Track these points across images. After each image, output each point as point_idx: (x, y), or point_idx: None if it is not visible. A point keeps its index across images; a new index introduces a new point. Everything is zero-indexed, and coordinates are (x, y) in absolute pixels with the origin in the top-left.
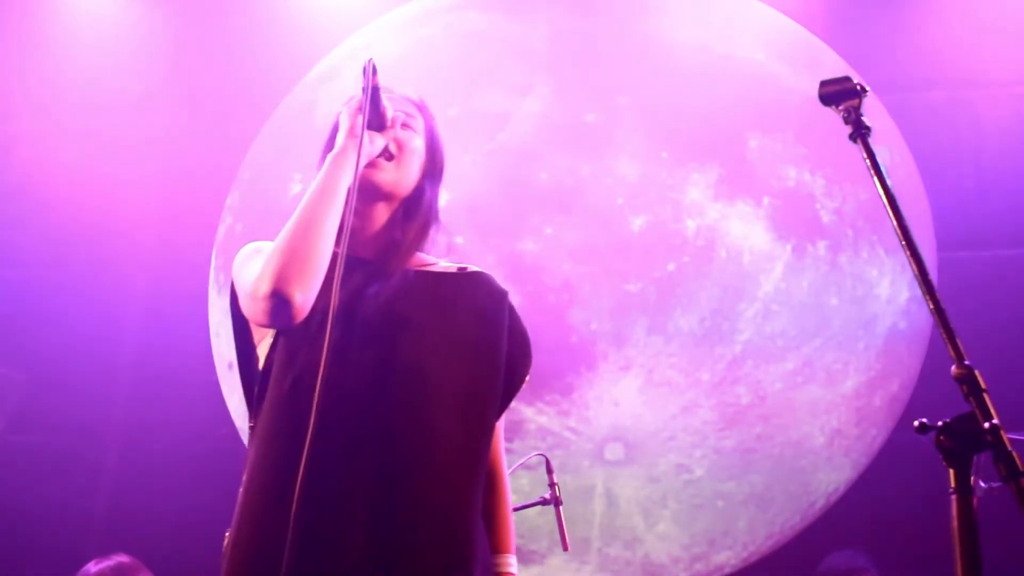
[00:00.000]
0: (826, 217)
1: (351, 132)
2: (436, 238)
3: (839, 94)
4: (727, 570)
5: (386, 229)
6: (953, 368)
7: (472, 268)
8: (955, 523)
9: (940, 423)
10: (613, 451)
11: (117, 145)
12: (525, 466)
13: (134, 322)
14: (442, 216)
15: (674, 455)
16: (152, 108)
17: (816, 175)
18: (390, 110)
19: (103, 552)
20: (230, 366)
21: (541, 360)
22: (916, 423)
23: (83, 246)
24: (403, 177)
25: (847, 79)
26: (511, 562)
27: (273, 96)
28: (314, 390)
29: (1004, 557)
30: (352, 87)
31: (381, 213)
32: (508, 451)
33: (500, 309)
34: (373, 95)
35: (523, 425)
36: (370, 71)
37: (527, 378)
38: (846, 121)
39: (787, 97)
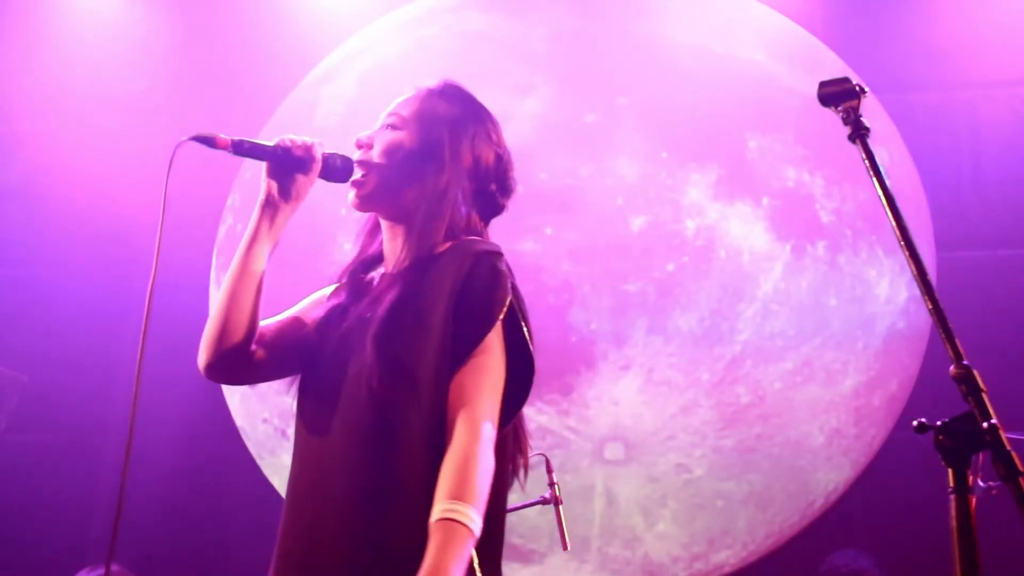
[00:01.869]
0: (825, 217)
1: (264, 196)
2: (468, 218)
3: (838, 95)
4: (726, 569)
5: (408, 234)
6: (952, 368)
7: (462, 240)
8: (954, 522)
9: (939, 423)
10: (613, 450)
11: (118, 145)
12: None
13: (134, 322)
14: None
15: (674, 455)
16: (153, 108)
17: (815, 175)
18: (297, 144)
19: (103, 552)
20: None
21: (541, 360)
22: (915, 423)
23: (84, 246)
24: (388, 180)
25: (846, 80)
26: (459, 509)
27: (274, 97)
28: (305, 405)
29: (1003, 556)
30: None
31: (398, 221)
32: None
33: (453, 274)
34: (253, 150)
35: None
36: (173, 153)
37: (488, 332)
38: (845, 122)
39: (786, 98)
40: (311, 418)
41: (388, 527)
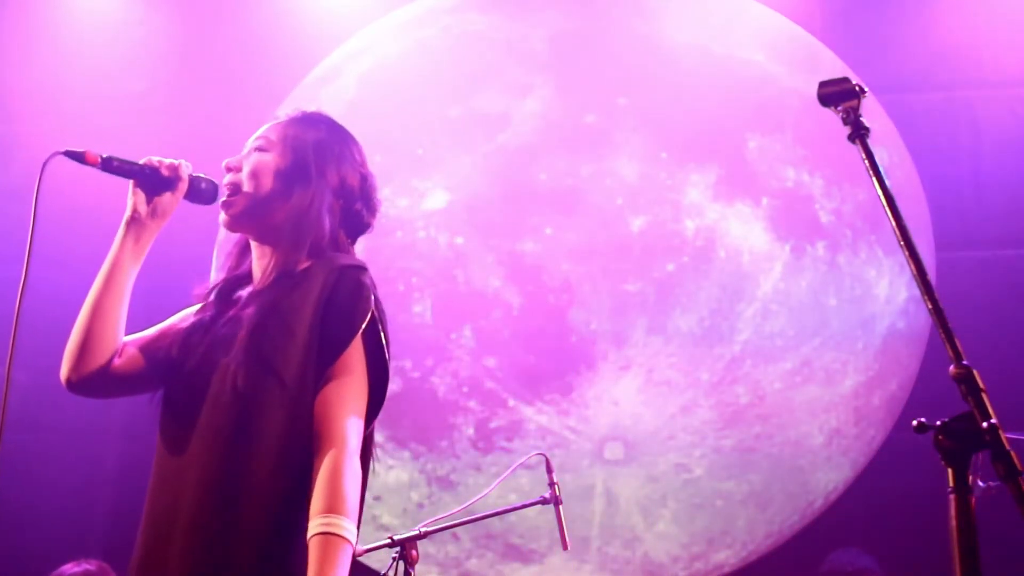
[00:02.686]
0: (825, 217)
1: (129, 213)
2: (334, 235)
3: (838, 95)
4: (726, 569)
5: (276, 251)
6: (951, 368)
7: (328, 255)
8: (953, 522)
9: (938, 423)
10: (613, 450)
11: (118, 145)
12: (525, 465)
13: (135, 320)
14: (442, 216)
15: (673, 454)
16: (153, 108)
17: (815, 176)
18: (165, 164)
19: (103, 552)
20: None
21: (541, 359)
22: (915, 423)
23: (85, 245)
24: (257, 199)
25: (846, 80)
26: (332, 522)
27: (274, 97)
28: (167, 417)
29: (1002, 556)
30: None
31: (267, 240)
32: (508, 451)
33: (319, 287)
34: (122, 168)
35: (523, 424)
36: (40, 173)
37: (350, 341)
38: (845, 122)
39: (786, 98)
40: (172, 432)
41: (234, 530)
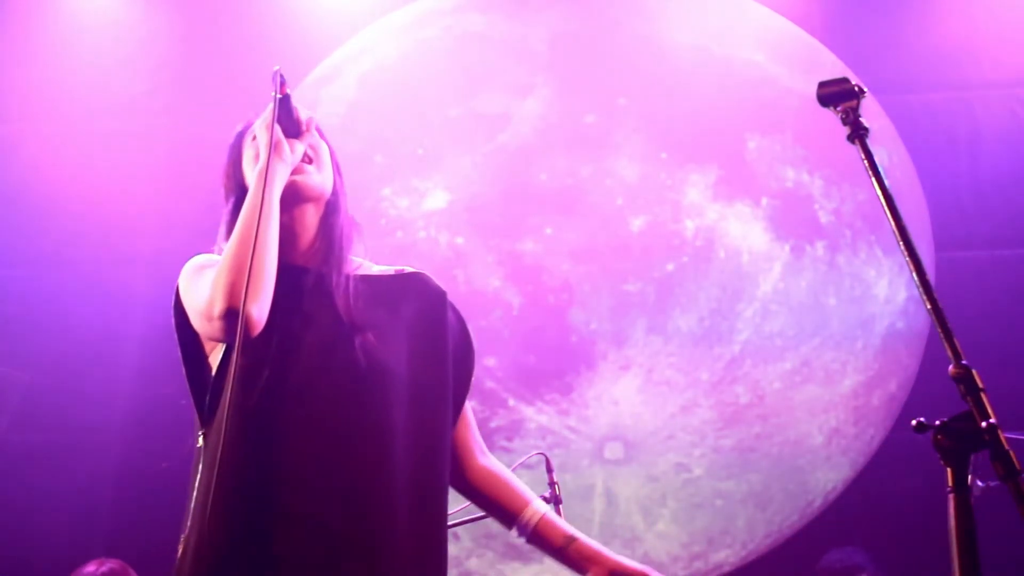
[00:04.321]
0: (824, 217)
1: (273, 145)
2: (358, 239)
3: (837, 95)
4: (726, 568)
5: (319, 234)
6: (951, 367)
7: (409, 269)
8: (952, 522)
9: (938, 422)
10: (612, 450)
11: (119, 145)
12: (525, 465)
13: (136, 321)
14: (442, 216)
15: (673, 454)
16: (154, 109)
17: (814, 176)
18: (304, 113)
19: (105, 553)
20: None
21: (541, 359)
22: (914, 422)
23: (86, 246)
24: (326, 178)
25: (845, 80)
26: (541, 506)
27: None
28: (284, 399)
29: (1001, 556)
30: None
31: (311, 218)
32: (508, 450)
33: (442, 308)
34: (285, 102)
35: (523, 424)
36: (278, 80)
37: (473, 372)
38: (844, 122)
39: (785, 98)
40: (312, 413)
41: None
